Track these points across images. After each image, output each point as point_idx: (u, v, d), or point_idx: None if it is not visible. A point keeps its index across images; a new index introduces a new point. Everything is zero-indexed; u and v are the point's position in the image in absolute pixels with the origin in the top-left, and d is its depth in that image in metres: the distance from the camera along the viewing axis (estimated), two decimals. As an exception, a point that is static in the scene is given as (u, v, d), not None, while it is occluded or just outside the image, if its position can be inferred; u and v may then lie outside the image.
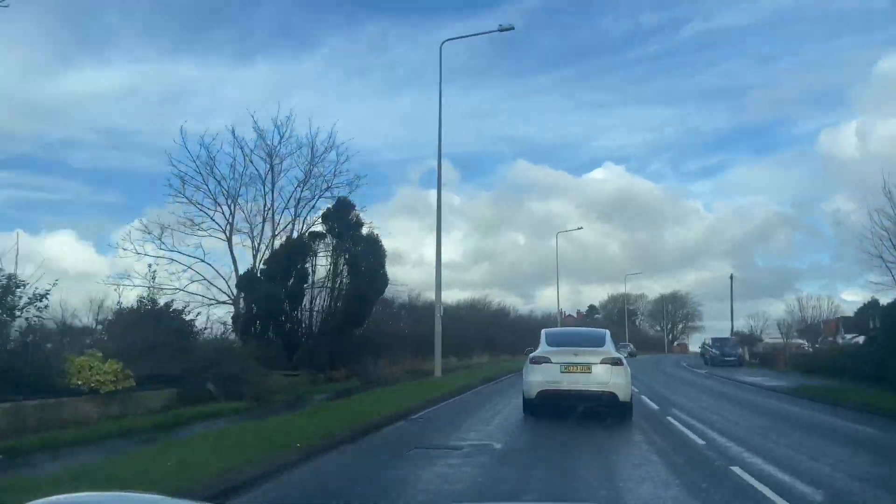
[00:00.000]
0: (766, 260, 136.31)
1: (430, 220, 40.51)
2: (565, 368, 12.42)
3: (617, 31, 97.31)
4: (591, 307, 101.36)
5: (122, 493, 2.17)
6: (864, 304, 47.60)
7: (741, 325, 67.43)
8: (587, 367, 12.32)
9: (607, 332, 13.80)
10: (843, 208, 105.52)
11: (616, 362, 12.45)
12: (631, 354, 46.06)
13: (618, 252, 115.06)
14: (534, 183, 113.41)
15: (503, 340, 45.66)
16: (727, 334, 56.14)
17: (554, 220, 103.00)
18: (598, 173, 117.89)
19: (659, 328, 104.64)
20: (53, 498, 1.93)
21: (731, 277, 67.34)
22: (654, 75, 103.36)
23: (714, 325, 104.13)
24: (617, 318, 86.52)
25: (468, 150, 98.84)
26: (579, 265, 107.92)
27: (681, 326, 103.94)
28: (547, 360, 12.65)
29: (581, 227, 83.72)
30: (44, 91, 60.70)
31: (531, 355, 13.22)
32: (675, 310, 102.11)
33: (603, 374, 12.28)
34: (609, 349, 12.85)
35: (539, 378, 12.64)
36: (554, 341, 13.40)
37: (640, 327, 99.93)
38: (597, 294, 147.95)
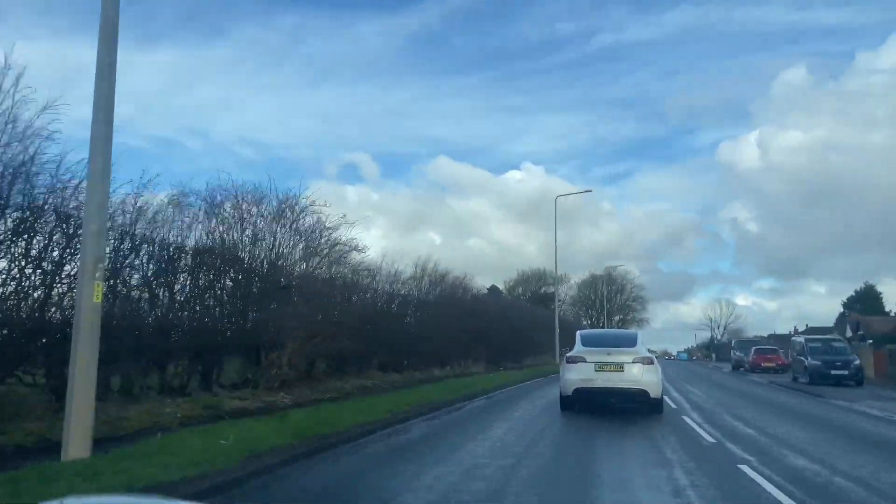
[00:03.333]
0: (668, 265, 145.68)
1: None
2: (599, 367, 13.31)
3: (534, 37, 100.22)
4: (493, 287, 74.39)
5: (125, 496, 2.23)
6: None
7: (659, 327, 63.86)
8: (620, 367, 13.23)
9: (638, 333, 15.04)
10: (740, 216, 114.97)
11: (647, 361, 13.36)
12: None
13: (534, 253, 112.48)
14: (455, 181, 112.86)
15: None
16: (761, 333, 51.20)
17: (474, 219, 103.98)
18: (516, 174, 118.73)
19: (588, 321, 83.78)
20: (63, 500, 1.96)
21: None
22: (567, 83, 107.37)
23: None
24: (529, 301, 69.48)
25: (388, 148, 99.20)
26: (499, 264, 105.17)
27: (618, 318, 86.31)
28: (582, 360, 13.55)
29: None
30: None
31: (567, 355, 14.27)
32: (611, 293, 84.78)
33: (635, 372, 13.19)
34: (640, 349, 13.72)
35: (575, 376, 13.57)
36: (588, 342, 14.26)
37: (564, 317, 72.76)
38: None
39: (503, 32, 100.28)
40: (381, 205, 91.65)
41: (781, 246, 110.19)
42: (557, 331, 40.24)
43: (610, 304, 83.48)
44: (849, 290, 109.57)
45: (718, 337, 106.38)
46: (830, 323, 76.36)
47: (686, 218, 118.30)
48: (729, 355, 73.07)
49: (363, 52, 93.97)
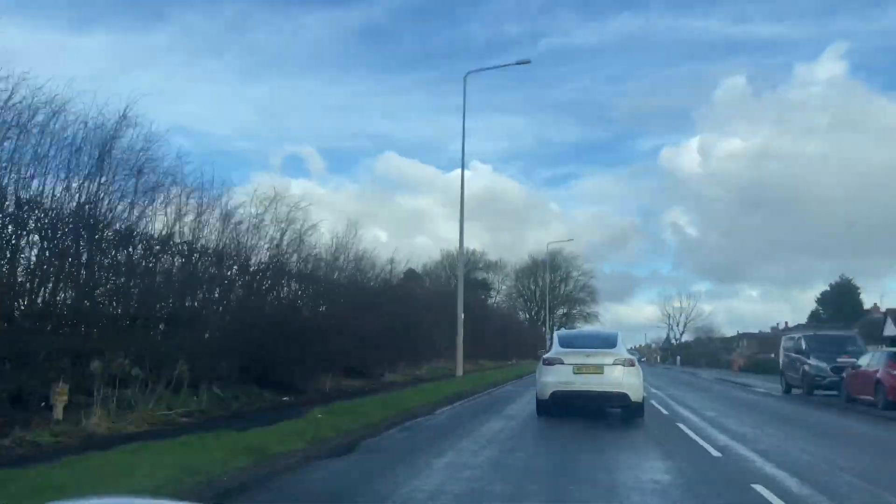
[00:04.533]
0: (611, 266, 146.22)
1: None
2: (577, 370, 12.58)
3: (481, 38, 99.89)
4: (411, 271, 57.82)
5: (129, 498, 2.16)
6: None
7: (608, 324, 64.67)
8: (599, 369, 12.54)
9: (619, 332, 14.12)
10: (680, 221, 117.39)
11: (628, 363, 12.63)
12: None
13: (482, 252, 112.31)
14: (403, 177, 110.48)
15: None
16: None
17: (422, 216, 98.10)
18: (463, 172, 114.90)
19: (526, 315, 75.52)
20: (64, 502, 1.95)
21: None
22: (513, 84, 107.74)
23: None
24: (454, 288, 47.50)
25: (333, 143, 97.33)
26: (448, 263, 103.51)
27: (562, 312, 75.83)
28: (559, 362, 12.79)
29: None
30: None
31: (544, 357, 13.44)
32: (555, 282, 73.69)
33: (615, 374, 12.49)
34: (621, 350, 13.00)
35: (552, 379, 12.79)
36: (566, 343, 13.54)
37: (497, 308, 63.92)
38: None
39: (451, 31, 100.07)
40: (326, 200, 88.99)
41: (718, 250, 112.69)
42: (461, 332, 26.25)
43: (553, 294, 72.61)
44: (782, 295, 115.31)
45: (677, 336, 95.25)
46: (783, 325, 71.78)
47: (628, 221, 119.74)
48: (695, 359, 70.61)
49: (307, 44, 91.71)
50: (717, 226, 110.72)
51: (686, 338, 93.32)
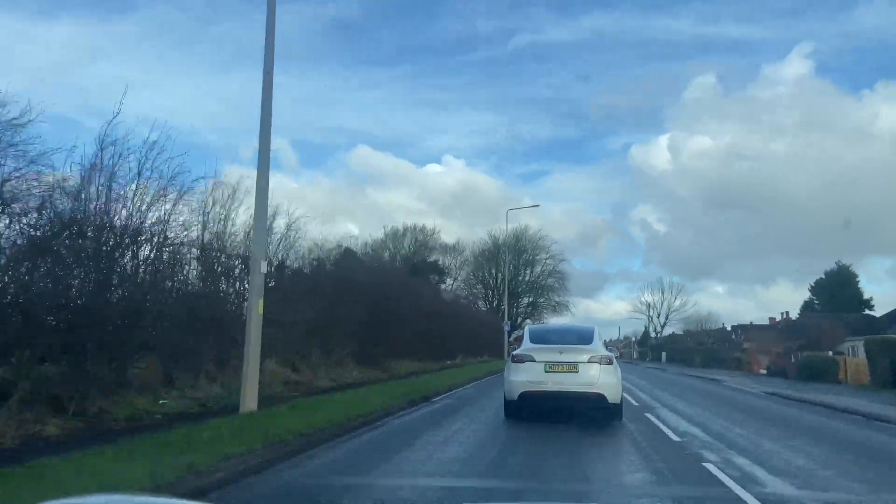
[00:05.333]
0: (581, 262, 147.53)
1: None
2: (550, 367, 11.62)
3: (454, 34, 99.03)
4: (348, 250, 40.05)
5: (130, 496, 1.96)
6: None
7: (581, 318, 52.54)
8: (573, 367, 11.57)
9: (596, 328, 13.06)
10: (649, 218, 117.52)
11: (606, 361, 11.73)
12: None
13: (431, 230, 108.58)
14: (376, 171, 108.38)
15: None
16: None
17: (395, 210, 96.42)
18: (436, 167, 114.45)
19: (485, 304, 64.26)
20: (62, 500, 1.79)
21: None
22: (485, 81, 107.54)
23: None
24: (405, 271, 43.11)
25: (304, 137, 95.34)
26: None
27: (527, 301, 65.19)
28: (530, 359, 11.83)
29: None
30: None
31: (513, 353, 12.70)
32: (520, 265, 63.54)
33: (591, 373, 11.55)
34: (597, 347, 12.09)
35: (521, 378, 11.80)
36: (538, 338, 12.55)
37: (453, 299, 51.08)
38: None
39: (424, 26, 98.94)
40: (299, 194, 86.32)
41: (687, 247, 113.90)
42: (253, 336, 12.10)
43: (516, 280, 62.83)
44: (747, 292, 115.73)
45: (658, 329, 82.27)
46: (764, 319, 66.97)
47: (599, 218, 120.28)
48: (687, 357, 59.88)
49: (278, 37, 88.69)
50: (686, 223, 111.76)
51: (669, 330, 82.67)
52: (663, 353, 72.92)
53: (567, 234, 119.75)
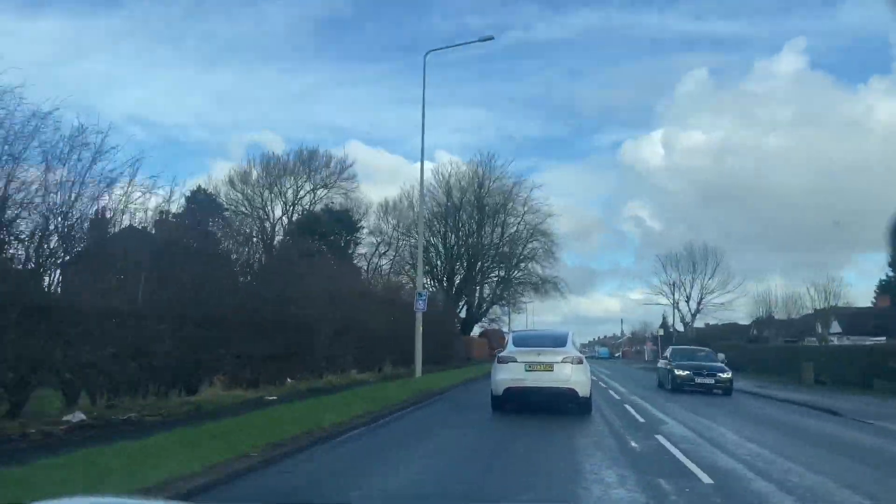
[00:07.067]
0: (573, 259, 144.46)
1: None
2: (529, 367, 13.54)
3: (444, 30, 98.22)
4: (199, 191, 36.68)
5: (121, 498, 2.11)
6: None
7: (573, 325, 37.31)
8: (549, 366, 13.51)
9: (570, 332, 15.13)
10: (642, 213, 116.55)
11: (577, 361, 13.70)
12: None
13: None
14: (369, 166, 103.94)
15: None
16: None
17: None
18: (428, 164, 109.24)
19: (435, 285, 43.63)
20: (55, 501, 1.92)
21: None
22: (475, 77, 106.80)
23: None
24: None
25: (292, 134, 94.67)
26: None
27: (497, 277, 45.50)
28: (513, 360, 13.80)
29: None
30: None
31: (499, 355, 14.50)
32: (486, 219, 43.80)
33: (566, 372, 13.51)
34: (570, 349, 14.02)
35: (505, 376, 13.80)
36: (520, 342, 14.58)
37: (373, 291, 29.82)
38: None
39: (413, 23, 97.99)
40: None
41: (680, 243, 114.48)
42: None
43: (479, 244, 42.85)
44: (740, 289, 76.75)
45: (688, 321, 59.02)
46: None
47: (591, 214, 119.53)
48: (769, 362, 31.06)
49: (266, 33, 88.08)
50: (679, 219, 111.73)
51: (701, 322, 62.13)
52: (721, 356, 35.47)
53: (557, 231, 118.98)
